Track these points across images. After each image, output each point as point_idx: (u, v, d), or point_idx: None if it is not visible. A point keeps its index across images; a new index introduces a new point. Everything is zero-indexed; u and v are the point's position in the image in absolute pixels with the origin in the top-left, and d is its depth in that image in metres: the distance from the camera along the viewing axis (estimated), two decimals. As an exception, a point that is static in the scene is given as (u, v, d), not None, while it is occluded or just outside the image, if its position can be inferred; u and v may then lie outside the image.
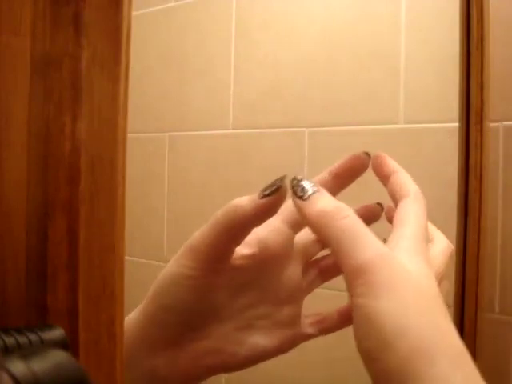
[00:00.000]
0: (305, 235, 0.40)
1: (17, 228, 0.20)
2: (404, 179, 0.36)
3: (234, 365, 0.38)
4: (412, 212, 0.33)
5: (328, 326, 0.40)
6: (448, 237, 0.39)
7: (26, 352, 0.18)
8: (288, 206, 0.37)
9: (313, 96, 0.96)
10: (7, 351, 0.17)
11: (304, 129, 0.98)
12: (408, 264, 0.30)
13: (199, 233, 0.35)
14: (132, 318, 0.38)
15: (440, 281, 0.33)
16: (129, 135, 0.23)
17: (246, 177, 1.04)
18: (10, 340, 0.18)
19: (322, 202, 0.32)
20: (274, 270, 0.38)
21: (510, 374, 0.72)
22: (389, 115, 0.88)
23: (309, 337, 0.40)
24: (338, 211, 0.31)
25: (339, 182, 0.39)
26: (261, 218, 0.34)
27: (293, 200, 0.33)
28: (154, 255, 1.21)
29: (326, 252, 0.41)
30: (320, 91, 0.96)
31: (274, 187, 0.33)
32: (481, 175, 0.70)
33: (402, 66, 0.88)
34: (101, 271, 0.21)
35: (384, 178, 0.37)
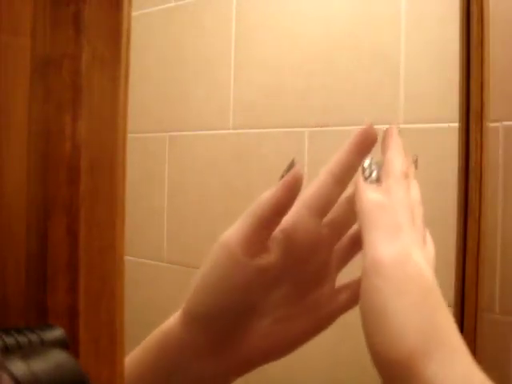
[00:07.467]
0: (331, 216, 0.39)
1: (17, 228, 0.20)
2: (391, 159, 0.37)
3: (277, 356, 0.38)
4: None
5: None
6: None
7: (26, 352, 0.18)
8: (311, 194, 0.37)
9: (313, 96, 0.96)
10: (7, 351, 0.17)
11: (304, 129, 0.97)
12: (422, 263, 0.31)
13: (230, 229, 0.36)
14: (169, 327, 0.37)
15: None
16: (129, 135, 0.23)
17: (246, 177, 1.04)
18: (10, 340, 0.18)
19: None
20: (304, 259, 0.38)
21: (510, 374, 0.72)
22: (389, 115, 0.88)
23: (344, 308, 0.39)
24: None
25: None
26: (283, 199, 0.34)
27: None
28: (154, 255, 1.21)
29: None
30: (320, 91, 0.96)
31: (288, 167, 0.34)
32: (481, 175, 0.70)
33: (402, 65, 0.88)
34: (101, 271, 0.21)
35: (383, 152, 0.38)
